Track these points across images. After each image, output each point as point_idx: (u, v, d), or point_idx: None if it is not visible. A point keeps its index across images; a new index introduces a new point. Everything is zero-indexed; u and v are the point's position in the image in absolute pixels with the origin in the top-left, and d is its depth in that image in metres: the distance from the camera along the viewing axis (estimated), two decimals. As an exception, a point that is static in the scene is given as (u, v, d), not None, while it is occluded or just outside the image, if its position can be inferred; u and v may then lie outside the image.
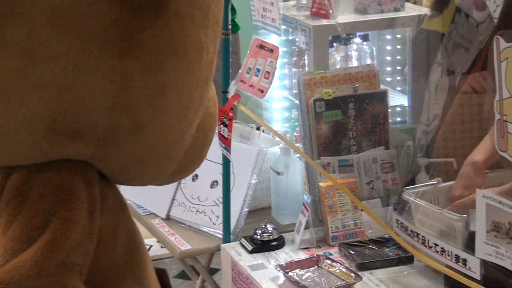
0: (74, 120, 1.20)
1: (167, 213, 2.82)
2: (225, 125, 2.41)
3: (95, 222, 1.26)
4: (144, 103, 1.22)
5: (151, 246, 4.53)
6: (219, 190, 2.67)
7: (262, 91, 2.33)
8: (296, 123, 2.87)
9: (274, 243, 2.46)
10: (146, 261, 1.39)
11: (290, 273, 2.24)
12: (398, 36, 2.82)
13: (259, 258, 2.40)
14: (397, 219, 1.67)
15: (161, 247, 4.25)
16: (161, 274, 1.43)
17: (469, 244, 1.56)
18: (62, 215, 1.22)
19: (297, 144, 2.69)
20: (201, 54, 1.28)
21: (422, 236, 1.57)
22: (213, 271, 3.94)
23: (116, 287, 1.31)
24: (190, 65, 1.26)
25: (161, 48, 1.21)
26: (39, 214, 1.22)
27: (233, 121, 2.41)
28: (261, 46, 2.37)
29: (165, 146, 1.30)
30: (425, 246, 1.57)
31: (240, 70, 2.44)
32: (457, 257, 1.49)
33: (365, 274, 2.23)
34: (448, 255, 1.51)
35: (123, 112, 1.21)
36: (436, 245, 1.54)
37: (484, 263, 1.47)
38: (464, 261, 1.47)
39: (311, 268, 2.28)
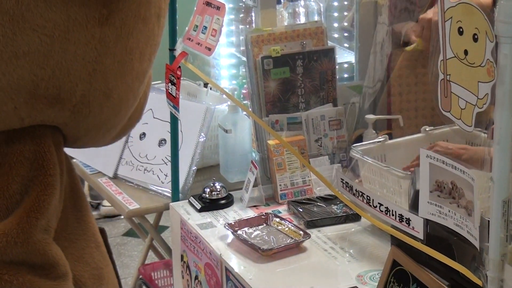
0: (56, 86, 1.23)
1: (115, 171, 2.80)
2: (173, 84, 2.39)
3: (63, 184, 1.30)
4: (116, 68, 1.27)
5: (99, 203, 4.51)
6: (167, 149, 2.65)
7: (209, 49, 2.31)
8: (244, 81, 2.85)
9: (223, 201, 2.46)
10: (93, 221, 1.42)
11: (239, 232, 2.25)
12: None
13: (208, 217, 2.40)
14: (342, 178, 1.67)
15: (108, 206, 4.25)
16: (101, 234, 1.44)
17: (415, 203, 1.57)
18: (42, 180, 1.24)
19: (245, 102, 2.68)
20: (160, 19, 1.34)
21: (367, 196, 1.58)
22: (162, 229, 3.95)
23: (71, 246, 1.32)
24: (152, 31, 1.32)
25: (133, 14, 1.26)
26: (16, 180, 1.24)
27: (180, 79, 2.39)
28: (208, 3, 2.33)
29: (126, 109, 1.35)
30: (370, 205, 1.57)
31: (186, 28, 2.41)
32: (401, 216, 1.49)
33: (314, 232, 2.25)
34: (392, 215, 1.51)
35: (100, 77, 1.25)
36: (381, 204, 1.55)
37: (428, 222, 1.48)
38: (408, 221, 1.48)
39: (260, 227, 2.29)
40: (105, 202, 4.29)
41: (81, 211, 1.38)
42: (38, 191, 1.24)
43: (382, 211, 1.54)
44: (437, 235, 1.51)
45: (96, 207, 4.43)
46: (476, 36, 1.27)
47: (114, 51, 1.25)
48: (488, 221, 1.34)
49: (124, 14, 1.25)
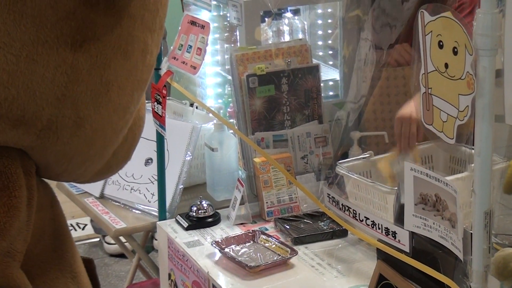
0: (20, 108, 1.19)
1: (101, 191, 2.80)
2: (159, 103, 2.40)
3: (33, 209, 1.26)
4: (89, 97, 1.23)
5: (86, 225, 4.49)
6: (153, 168, 2.65)
7: (194, 68, 2.32)
8: (229, 99, 2.86)
9: (210, 219, 2.47)
10: (74, 251, 1.38)
11: (226, 249, 2.25)
12: (329, 10, 2.83)
13: (195, 235, 2.40)
14: (328, 194, 1.68)
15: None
16: (88, 264, 1.43)
17: (400, 217, 1.58)
18: (6, 202, 1.21)
19: (231, 120, 2.69)
20: (146, 56, 1.30)
21: (353, 210, 1.59)
22: (149, 248, 3.94)
23: (44, 275, 1.30)
24: (135, 66, 1.28)
25: (112, 45, 1.23)
26: None
27: (166, 98, 2.40)
28: (192, 22, 2.35)
29: (101, 143, 1.31)
30: (356, 220, 1.58)
31: (172, 47, 2.42)
32: (387, 230, 1.51)
33: (301, 248, 2.25)
34: (379, 228, 1.53)
35: (69, 104, 1.22)
36: (367, 218, 1.56)
37: (414, 235, 1.49)
38: (394, 234, 1.49)
39: (247, 244, 2.29)
40: (108, 239, 4.24)
41: (60, 240, 1.35)
42: (0, 212, 1.20)
43: (368, 225, 1.56)
44: (423, 248, 1.52)
45: (99, 240, 4.38)
46: (456, 49, 1.29)
47: (87, 79, 1.22)
48: (471, 233, 1.36)
49: (101, 43, 1.21)
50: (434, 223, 1.40)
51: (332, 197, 1.67)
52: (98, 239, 4.37)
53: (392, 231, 1.49)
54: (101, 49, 1.21)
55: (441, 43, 1.32)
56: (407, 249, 1.47)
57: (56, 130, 1.23)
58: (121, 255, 4.14)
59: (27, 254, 1.27)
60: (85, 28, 1.19)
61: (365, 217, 1.56)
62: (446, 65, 1.32)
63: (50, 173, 1.34)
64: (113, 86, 1.25)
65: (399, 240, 1.48)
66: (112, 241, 4.08)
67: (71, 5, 1.17)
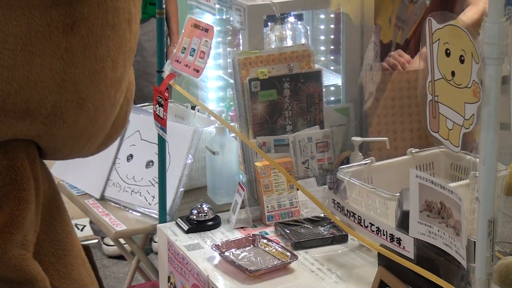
0: (24, 100, 1.21)
1: (102, 193, 2.79)
2: (161, 105, 2.40)
3: (40, 199, 1.28)
4: (87, 77, 1.25)
5: (84, 226, 4.49)
6: (154, 170, 2.65)
7: (197, 71, 2.32)
8: (231, 103, 2.86)
9: (210, 223, 2.47)
10: (73, 235, 1.40)
11: (226, 253, 2.25)
12: (332, 15, 2.84)
13: (195, 238, 2.40)
14: (333, 199, 1.69)
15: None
16: (86, 252, 1.43)
17: (402, 223, 1.59)
18: (16, 195, 1.23)
19: (233, 124, 2.69)
20: (131, 24, 1.32)
21: (358, 216, 1.60)
22: (148, 251, 3.94)
23: (58, 263, 1.31)
24: (123, 37, 1.30)
25: (100, 22, 1.24)
26: None
27: (168, 100, 2.40)
28: (196, 26, 2.35)
29: (103, 118, 1.33)
30: (361, 225, 1.59)
31: (175, 50, 2.42)
32: (391, 236, 1.51)
33: (301, 253, 2.25)
34: (384, 234, 1.53)
35: (70, 87, 1.24)
36: (372, 224, 1.56)
37: (417, 242, 1.49)
38: (399, 240, 1.49)
39: (247, 248, 2.29)
40: (107, 241, 4.23)
41: (68, 225, 1.37)
42: (12, 206, 1.22)
43: (373, 231, 1.56)
44: (424, 255, 1.53)
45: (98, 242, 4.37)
46: (462, 58, 1.30)
47: (83, 60, 1.23)
48: (474, 241, 1.36)
49: (90, 22, 1.23)
50: (438, 230, 1.40)
51: (337, 202, 1.68)
52: (96, 241, 4.37)
53: (396, 238, 1.50)
54: (91, 28, 1.23)
55: (448, 51, 1.32)
56: (411, 255, 1.47)
57: (61, 115, 1.25)
58: (120, 257, 4.13)
59: (39, 243, 1.29)
60: (73, 10, 1.20)
61: (370, 223, 1.57)
62: (453, 73, 1.32)
63: (58, 155, 1.36)
64: (107, 61, 1.27)
65: (403, 246, 1.48)
66: (111, 243, 4.08)
67: None
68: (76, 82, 1.24)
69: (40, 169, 1.32)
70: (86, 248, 1.44)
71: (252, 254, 2.26)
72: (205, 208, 2.48)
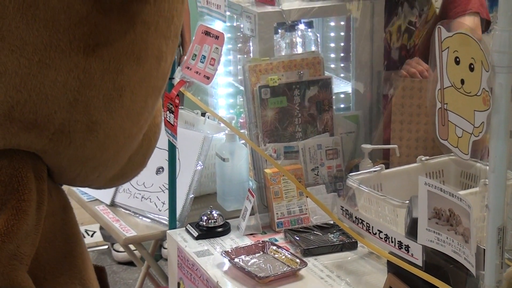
0: (32, 111, 1.19)
1: (112, 199, 2.81)
2: (171, 112, 2.41)
3: (42, 214, 1.26)
4: (102, 102, 1.23)
5: (94, 232, 4.50)
6: (164, 177, 2.66)
7: (208, 78, 2.33)
8: (241, 110, 2.87)
9: (220, 229, 2.47)
10: (85, 258, 1.39)
11: (236, 259, 2.26)
12: (342, 23, 2.84)
13: (204, 245, 2.41)
14: (342, 206, 1.69)
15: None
16: (99, 272, 1.43)
17: (411, 230, 1.59)
18: (14, 205, 1.22)
19: (242, 131, 2.70)
20: (160, 63, 1.30)
21: (367, 223, 1.60)
22: (158, 257, 3.94)
23: (53, 280, 1.31)
24: (149, 72, 1.29)
25: (125, 51, 1.23)
26: None
27: (179, 107, 2.41)
28: (207, 33, 2.36)
29: (115, 148, 1.31)
30: (370, 232, 1.59)
31: (185, 57, 2.44)
32: (400, 243, 1.51)
33: (310, 260, 2.26)
34: (392, 241, 1.53)
35: (81, 108, 1.22)
36: (380, 231, 1.57)
37: (426, 249, 1.49)
38: (407, 248, 1.50)
39: (257, 254, 2.30)
40: (117, 246, 4.25)
41: (71, 246, 1.35)
42: (8, 215, 1.21)
43: (381, 238, 1.56)
44: (433, 262, 1.53)
45: (108, 248, 4.38)
46: (472, 66, 1.30)
47: (100, 84, 1.22)
48: (484, 249, 1.36)
49: (114, 49, 1.21)
50: (447, 238, 1.41)
51: (346, 209, 1.68)
52: (106, 247, 4.38)
53: (405, 245, 1.50)
54: (114, 55, 1.22)
55: (457, 59, 1.33)
56: (420, 263, 1.47)
57: (69, 134, 1.23)
58: (130, 263, 4.14)
59: (37, 258, 1.28)
60: (98, 33, 1.19)
61: (378, 230, 1.57)
62: (462, 81, 1.32)
63: (64, 177, 1.34)
64: (126, 91, 1.25)
65: (412, 254, 1.48)
66: (121, 249, 4.09)
67: (84, 11, 1.18)
68: (88, 104, 1.22)
69: (51, 189, 1.30)
70: (100, 269, 1.43)
71: (261, 261, 2.26)
72: (215, 215, 2.49)
